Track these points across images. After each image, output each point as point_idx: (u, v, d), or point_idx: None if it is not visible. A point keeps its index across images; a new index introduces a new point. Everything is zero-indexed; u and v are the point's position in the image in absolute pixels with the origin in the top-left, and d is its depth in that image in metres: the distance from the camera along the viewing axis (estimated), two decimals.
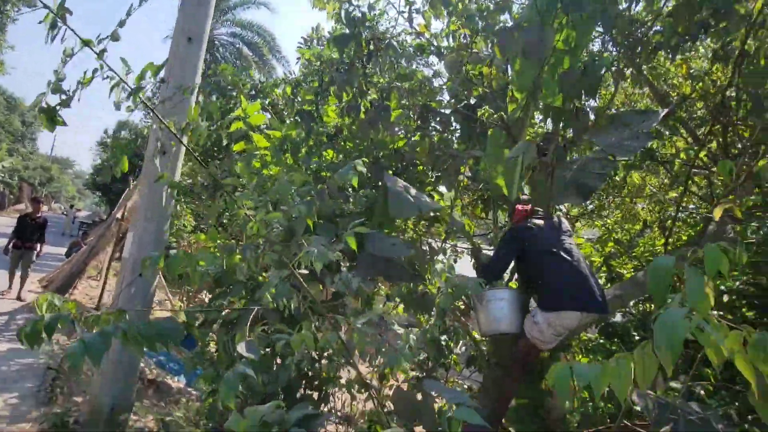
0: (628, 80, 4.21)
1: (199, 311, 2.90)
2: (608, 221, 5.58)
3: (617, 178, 5.68)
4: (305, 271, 2.56)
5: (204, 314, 3.16)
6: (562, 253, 2.53)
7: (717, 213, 2.03)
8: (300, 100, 4.16)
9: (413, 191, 2.82)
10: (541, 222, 2.71)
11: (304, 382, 3.28)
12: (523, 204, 2.83)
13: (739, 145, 4.01)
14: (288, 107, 4.39)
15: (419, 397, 1.54)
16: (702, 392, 3.47)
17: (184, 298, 8.39)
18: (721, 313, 4.01)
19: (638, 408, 3.38)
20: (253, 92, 5.74)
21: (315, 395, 3.45)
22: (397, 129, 3.72)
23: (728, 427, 2.72)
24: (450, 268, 2.60)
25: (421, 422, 1.51)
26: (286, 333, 1.88)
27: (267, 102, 5.75)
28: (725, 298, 4.63)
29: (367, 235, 2.83)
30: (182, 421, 3.80)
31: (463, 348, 4.93)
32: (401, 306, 3.20)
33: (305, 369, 3.19)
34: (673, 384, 3.69)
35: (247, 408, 1.63)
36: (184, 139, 2.96)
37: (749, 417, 3.49)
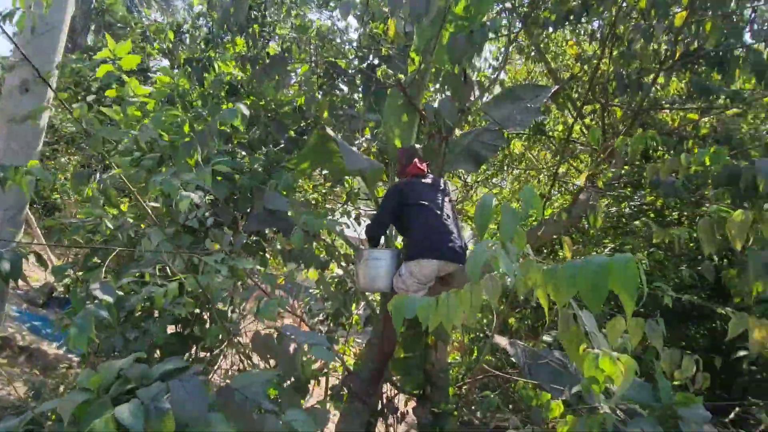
0: (526, 56, 4.43)
1: (69, 266, 2.65)
2: (504, 191, 5.95)
3: (516, 152, 6.07)
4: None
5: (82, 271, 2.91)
6: (432, 207, 2.66)
7: (581, 179, 2.24)
8: (189, 46, 3.85)
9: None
10: (423, 180, 2.80)
11: (194, 345, 3.18)
12: (418, 161, 2.88)
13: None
14: (177, 54, 4.04)
15: (277, 340, 1.56)
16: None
17: (70, 259, 7.65)
18: None
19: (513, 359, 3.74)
20: (147, 34, 5.22)
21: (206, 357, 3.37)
22: (302, 87, 3.60)
23: (579, 373, 3.10)
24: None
25: (279, 364, 1.53)
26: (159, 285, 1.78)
27: (165, 47, 5.26)
28: None
29: (261, 191, 2.76)
30: (56, 387, 3.52)
31: (363, 309, 5.09)
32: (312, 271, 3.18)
33: (194, 330, 3.09)
34: (545, 337, 4.13)
35: (102, 363, 1.54)
36: (52, 81, 2.62)
37: None
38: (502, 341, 3.05)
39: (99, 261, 2.69)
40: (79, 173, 1.71)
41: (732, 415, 3.17)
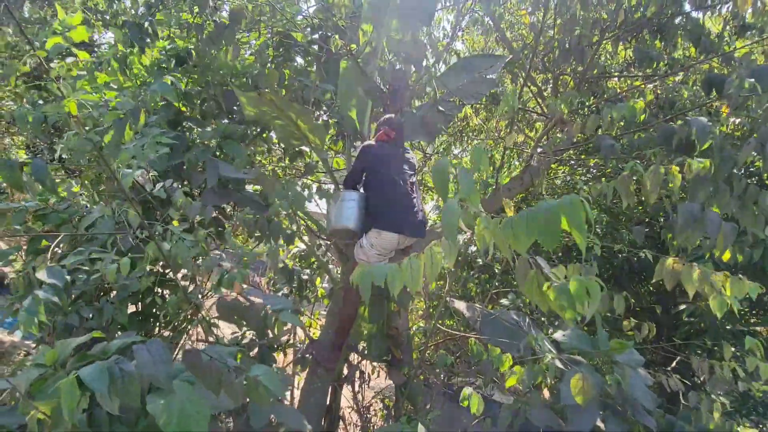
0: (481, 25, 4.46)
1: (12, 251, 2.56)
2: (464, 160, 6.06)
3: (475, 123, 6.17)
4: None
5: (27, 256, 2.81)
6: (396, 179, 2.71)
7: (509, 141, 2.36)
8: (126, 8, 3.67)
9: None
10: (391, 149, 2.84)
11: (156, 323, 3.16)
12: (390, 129, 2.92)
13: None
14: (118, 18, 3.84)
15: (244, 303, 1.60)
16: (522, 306, 4.13)
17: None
18: None
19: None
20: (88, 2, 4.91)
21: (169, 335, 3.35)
22: (248, 54, 3.51)
23: (532, 329, 3.28)
24: (300, 198, 2.63)
25: (248, 324, 1.58)
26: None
27: (106, 17, 4.97)
28: None
29: (211, 162, 2.72)
30: (13, 373, 3.43)
31: (328, 282, 5.15)
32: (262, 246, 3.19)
33: (154, 309, 3.06)
34: (503, 300, 4.32)
35: (58, 341, 1.53)
36: None
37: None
38: (460, 305, 3.19)
39: (47, 244, 2.61)
40: (8, 162, 1.64)
41: (674, 363, 3.46)
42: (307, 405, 2.64)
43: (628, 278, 5.05)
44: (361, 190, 2.89)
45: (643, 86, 4.03)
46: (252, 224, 2.44)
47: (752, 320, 4.73)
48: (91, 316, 1.98)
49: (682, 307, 4.20)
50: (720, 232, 2.15)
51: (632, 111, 2.26)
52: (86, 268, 2.01)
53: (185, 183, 3.17)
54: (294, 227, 2.71)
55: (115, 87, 3.08)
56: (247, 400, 1.65)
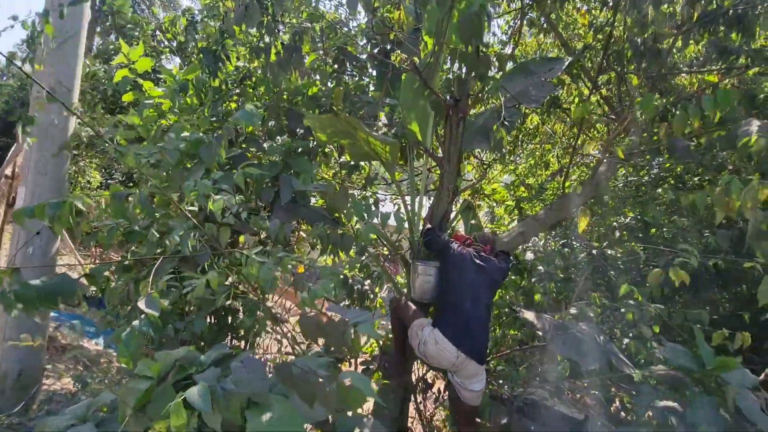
0: (537, 28, 4.37)
1: (106, 267, 2.76)
2: (521, 166, 5.93)
3: (530, 127, 6.02)
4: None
5: (117, 272, 3.02)
6: (475, 296, 2.65)
7: (594, 148, 2.26)
8: (202, 36, 3.88)
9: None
10: (477, 260, 2.80)
11: (229, 333, 3.30)
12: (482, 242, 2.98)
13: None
14: (189, 45, 4.07)
15: (324, 319, 1.64)
16: (591, 315, 3.96)
17: (96, 259, 7.87)
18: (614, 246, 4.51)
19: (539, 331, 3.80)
20: (158, 32, 5.26)
21: (241, 345, 3.50)
22: (311, 74, 3.62)
23: (607, 343, 3.14)
24: (369, 212, 2.69)
25: (328, 340, 1.61)
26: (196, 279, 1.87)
27: (175, 44, 5.30)
28: (617, 233, 5.20)
29: (285, 179, 2.82)
30: (100, 380, 3.69)
31: (387, 292, 5.18)
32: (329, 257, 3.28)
33: (228, 320, 3.21)
34: (571, 310, 4.17)
35: (158, 352, 1.63)
36: (76, 87, 2.69)
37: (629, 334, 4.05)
38: (529, 315, 3.10)
39: (136, 263, 2.78)
40: (117, 194, 1.79)
41: (763, 376, 3.20)
42: (382, 417, 2.66)
43: (706, 286, 4.73)
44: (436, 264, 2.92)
45: (718, 81, 3.79)
46: (325, 238, 2.50)
47: None
48: (183, 328, 2.10)
49: None
50: None
51: (725, 99, 2.10)
52: (176, 284, 2.13)
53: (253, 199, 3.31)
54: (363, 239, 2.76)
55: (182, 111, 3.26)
56: (330, 417, 1.70)
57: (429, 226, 3.04)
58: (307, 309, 1.89)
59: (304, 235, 3.50)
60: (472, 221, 3.43)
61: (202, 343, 2.49)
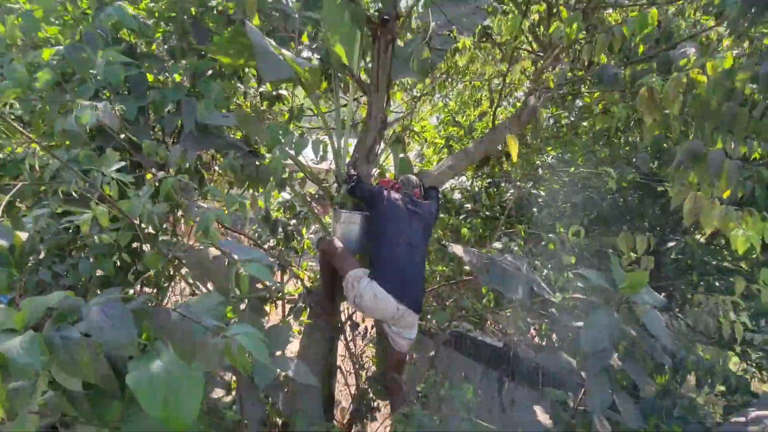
0: None
1: None
2: (450, 104, 5.83)
3: (461, 65, 5.88)
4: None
5: None
6: (411, 245, 2.57)
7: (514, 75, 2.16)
8: None
9: (284, 50, 2.42)
10: (411, 206, 2.70)
11: (137, 279, 2.97)
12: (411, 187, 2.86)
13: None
14: None
15: (211, 256, 1.42)
16: (516, 248, 4.10)
17: None
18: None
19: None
20: None
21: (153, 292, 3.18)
22: None
23: (530, 273, 3.24)
24: (285, 135, 2.41)
25: (213, 280, 1.40)
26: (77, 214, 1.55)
27: None
28: (540, 171, 5.35)
29: (187, 103, 2.45)
30: None
31: (314, 233, 5.00)
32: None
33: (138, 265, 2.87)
34: (496, 244, 4.27)
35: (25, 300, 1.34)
36: None
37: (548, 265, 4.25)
38: (457, 249, 3.09)
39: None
40: None
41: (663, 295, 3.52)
42: (308, 357, 2.56)
43: (616, 218, 5.07)
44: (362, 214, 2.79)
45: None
46: (239, 170, 2.22)
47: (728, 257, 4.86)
48: (66, 272, 1.78)
49: (671, 244, 4.25)
50: (723, 171, 2.07)
51: (643, 22, 2.08)
52: (54, 222, 1.79)
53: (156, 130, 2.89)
54: (285, 173, 2.51)
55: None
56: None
57: (353, 172, 2.86)
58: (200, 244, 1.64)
59: (219, 170, 3.16)
60: (402, 155, 3.28)
61: (98, 292, 2.18)
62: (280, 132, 2.10)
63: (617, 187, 5.93)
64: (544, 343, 4.13)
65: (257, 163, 2.32)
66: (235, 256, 1.31)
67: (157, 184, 1.54)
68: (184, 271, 2.54)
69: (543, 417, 2.39)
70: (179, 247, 1.57)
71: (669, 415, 2.36)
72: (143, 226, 1.55)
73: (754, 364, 3.79)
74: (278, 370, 1.75)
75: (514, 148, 2.27)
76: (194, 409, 1.22)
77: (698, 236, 4.49)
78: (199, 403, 1.24)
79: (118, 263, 2.66)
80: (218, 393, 1.90)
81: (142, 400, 1.08)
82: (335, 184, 3.00)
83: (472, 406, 2.25)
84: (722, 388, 2.86)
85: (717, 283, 4.07)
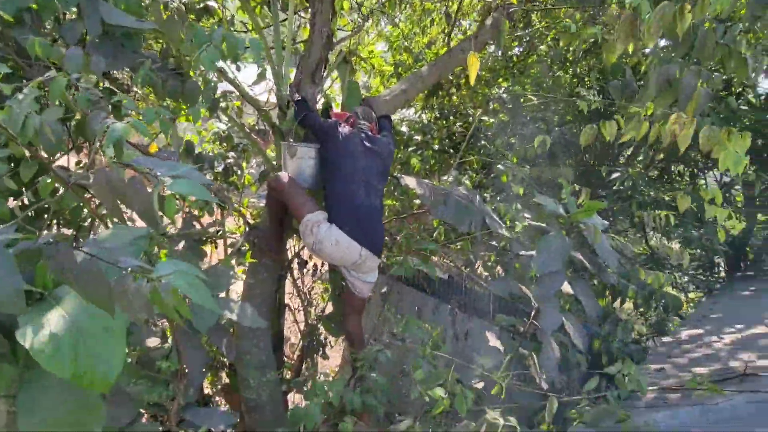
0: None
1: None
2: (401, 27, 5.46)
3: None
4: None
5: None
6: (366, 184, 2.38)
7: None
8: None
9: None
10: (366, 142, 2.45)
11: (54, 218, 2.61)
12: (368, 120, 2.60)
13: None
14: None
15: (126, 176, 1.17)
16: (467, 182, 4.04)
17: None
18: None
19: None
20: None
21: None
22: None
23: (482, 205, 3.19)
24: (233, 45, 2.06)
25: (129, 206, 1.16)
26: None
27: None
28: (491, 104, 5.24)
29: (93, 3, 2.01)
30: None
31: (256, 167, 4.66)
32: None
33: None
34: (445, 177, 4.19)
35: None
36: None
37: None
38: (410, 181, 2.96)
39: None
40: None
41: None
42: (253, 298, 2.39)
43: (562, 150, 5.14)
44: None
45: None
46: (159, 84, 1.87)
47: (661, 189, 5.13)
48: None
49: (615, 175, 4.38)
50: (694, 96, 2.02)
51: None
52: None
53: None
54: (217, 92, 2.18)
55: None
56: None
57: (298, 96, 2.56)
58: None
59: (138, 90, 2.74)
60: (350, 79, 2.99)
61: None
62: (207, 33, 1.74)
63: (563, 121, 5.99)
64: (487, 275, 4.22)
65: (182, 78, 1.96)
66: (158, 173, 1.04)
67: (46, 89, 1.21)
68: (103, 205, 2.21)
69: (495, 343, 2.42)
70: (83, 171, 1.28)
71: (611, 338, 2.46)
72: (33, 144, 1.24)
73: (681, 287, 4.09)
74: (220, 313, 1.58)
75: (474, 68, 2.07)
76: (116, 365, 1.03)
77: (639, 168, 4.66)
78: (123, 357, 1.05)
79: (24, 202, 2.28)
80: (155, 343, 1.71)
81: (43, 359, 0.87)
82: (277, 110, 2.70)
83: (427, 340, 2.21)
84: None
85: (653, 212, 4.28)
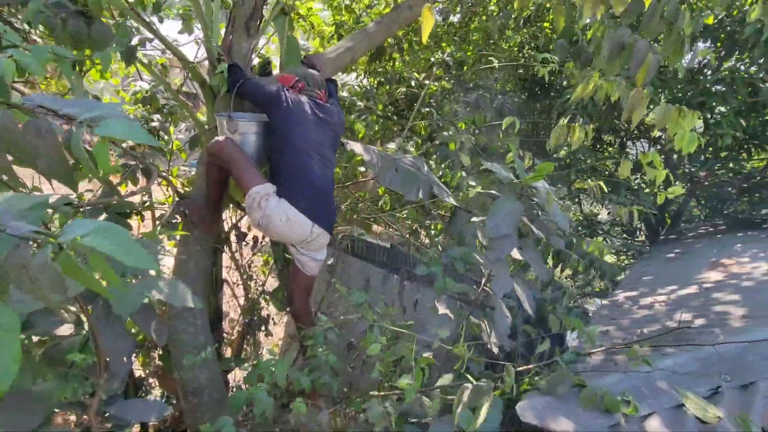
0: None
1: None
2: None
3: None
4: None
5: None
6: (320, 156, 2.18)
7: None
8: None
9: None
10: (318, 111, 2.23)
11: None
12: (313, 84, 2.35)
13: None
14: None
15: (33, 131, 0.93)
16: (413, 148, 3.95)
17: None
18: None
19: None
20: None
21: None
22: None
23: (429, 173, 3.11)
24: None
25: (30, 161, 0.93)
26: None
27: None
28: (434, 69, 5.14)
29: None
30: None
31: (184, 131, 4.27)
32: None
33: None
34: (390, 144, 4.07)
35: None
36: None
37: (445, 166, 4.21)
38: (355, 146, 2.80)
39: None
40: None
41: None
42: (186, 273, 2.16)
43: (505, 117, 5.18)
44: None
45: None
46: (59, 26, 1.55)
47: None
48: None
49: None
50: (645, 63, 2.02)
51: None
52: None
53: None
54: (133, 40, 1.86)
55: None
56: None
57: (232, 61, 2.28)
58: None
59: (34, 34, 2.33)
60: (288, 34, 2.73)
61: None
62: None
63: (504, 89, 6.04)
64: (431, 245, 4.22)
65: (89, 20, 1.64)
66: (72, 113, 0.79)
67: None
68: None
69: (445, 312, 2.38)
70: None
71: (556, 303, 2.51)
72: None
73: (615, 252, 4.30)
74: (145, 293, 1.37)
75: (428, 23, 1.93)
76: (9, 366, 0.83)
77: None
78: (17, 355, 0.85)
79: None
80: (67, 333, 1.47)
81: None
82: (208, 65, 2.40)
83: (378, 310, 2.13)
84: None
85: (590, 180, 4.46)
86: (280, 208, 2.02)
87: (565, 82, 5.41)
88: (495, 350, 2.01)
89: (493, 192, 2.25)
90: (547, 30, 4.92)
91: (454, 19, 5.57)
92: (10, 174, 0.99)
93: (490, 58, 4.81)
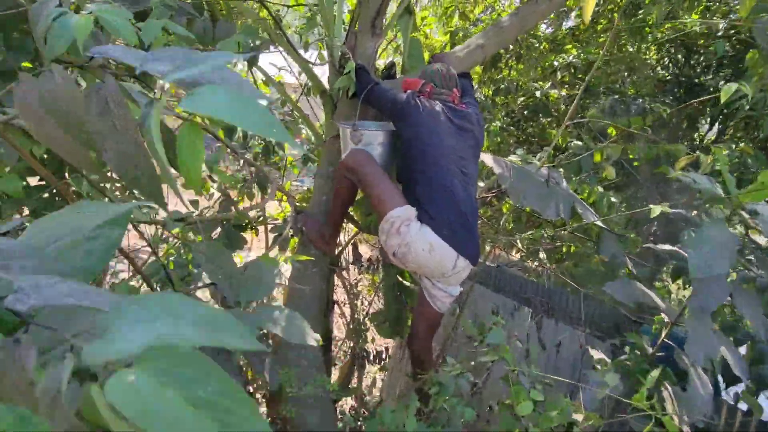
0: None
1: None
2: None
3: None
4: None
5: None
6: (459, 177, 1.82)
7: None
8: None
9: None
10: (455, 117, 1.91)
11: None
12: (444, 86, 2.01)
13: None
14: None
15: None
16: (538, 161, 3.48)
17: None
18: None
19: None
20: None
21: None
22: None
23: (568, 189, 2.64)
24: None
25: (97, 147, 0.70)
26: None
27: None
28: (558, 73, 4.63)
29: None
30: None
31: (301, 143, 4.24)
32: None
33: None
34: (511, 156, 3.63)
35: None
36: None
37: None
38: (486, 159, 2.44)
39: None
40: None
41: None
42: (300, 300, 1.96)
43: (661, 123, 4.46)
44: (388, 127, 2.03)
45: None
46: (183, 24, 1.41)
47: None
48: None
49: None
50: None
51: None
52: None
53: None
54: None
55: None
56: None
57: (358, 62, 2.00)
58: None
59: None
60: (413, 34, 2.48)
61: None
62: None
63: (638, 94, 5.26)
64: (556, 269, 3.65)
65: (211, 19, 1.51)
66: (158, 71, 0.51)
67: None
68: None
69: (600, 356, 1.89)
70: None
71: None
72: None
73: None
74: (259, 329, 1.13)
75: (590, 4, 1.54)
76: None
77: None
78: None
79: None
80: None
81: None
82: (328, 69, 2.22)
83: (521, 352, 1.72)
84: None
85: None
86: (422, 235, 1.71)
87: (722, 82, 4.53)
88: (685, 430, 1.49)
89: (682, 212, 1.72)
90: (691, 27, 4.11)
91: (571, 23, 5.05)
92: (89, 166, 0.66)
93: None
